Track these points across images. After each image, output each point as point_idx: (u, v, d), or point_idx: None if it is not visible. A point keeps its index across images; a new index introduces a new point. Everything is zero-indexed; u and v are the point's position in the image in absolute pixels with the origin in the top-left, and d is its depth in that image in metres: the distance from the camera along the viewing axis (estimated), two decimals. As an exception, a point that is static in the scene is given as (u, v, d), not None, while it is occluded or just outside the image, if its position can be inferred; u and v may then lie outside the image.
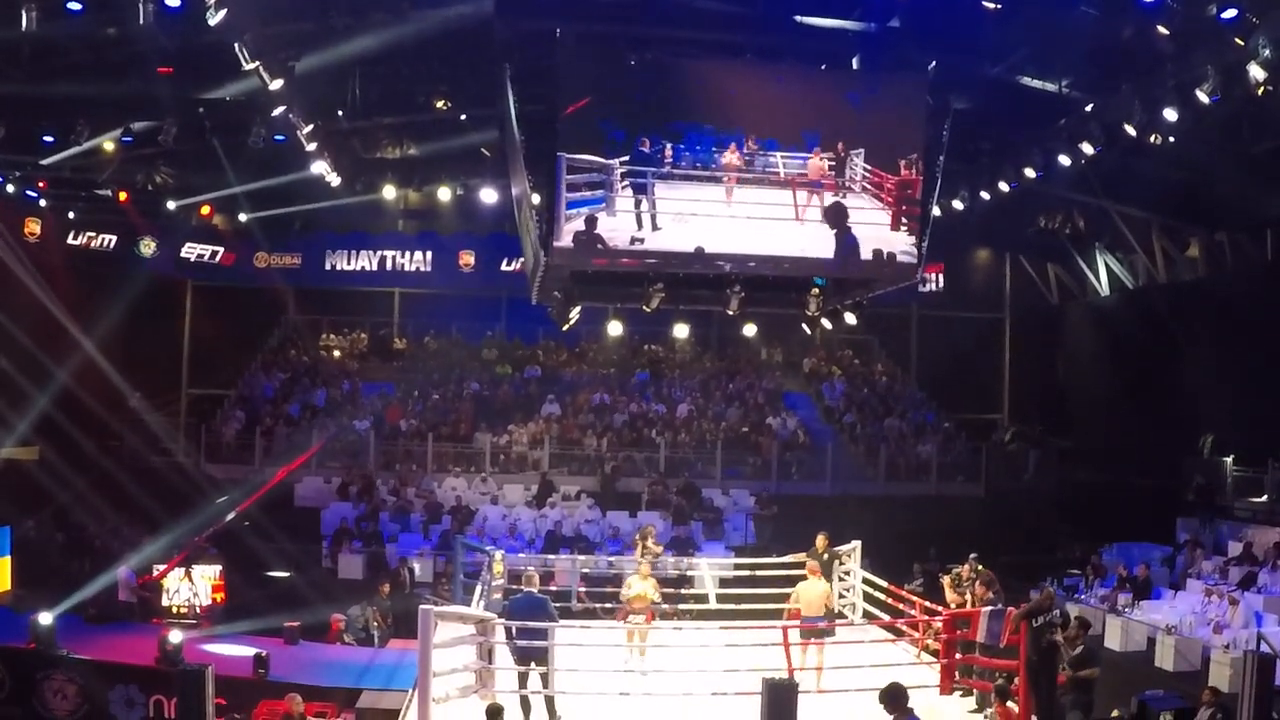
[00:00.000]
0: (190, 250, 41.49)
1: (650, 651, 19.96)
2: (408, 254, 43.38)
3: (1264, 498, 30.50)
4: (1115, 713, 17.73)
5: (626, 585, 20.62)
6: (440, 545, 30.88)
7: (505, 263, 42.65)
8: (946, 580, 22.21)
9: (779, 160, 20.26)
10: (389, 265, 43.56)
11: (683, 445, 37.86)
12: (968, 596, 20.83)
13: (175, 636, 20.97)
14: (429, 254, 43.50)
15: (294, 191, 34.17)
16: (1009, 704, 16.99)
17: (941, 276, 43.70)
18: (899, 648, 21.76)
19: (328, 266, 43.33)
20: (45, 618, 21.35)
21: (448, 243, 43.20)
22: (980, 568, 21.82)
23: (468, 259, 43.31)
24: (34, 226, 36.22)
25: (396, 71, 26.60)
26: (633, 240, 20.28)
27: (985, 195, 30.45)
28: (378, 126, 30.42)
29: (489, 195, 33.94)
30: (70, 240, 38.38)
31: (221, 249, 41.73)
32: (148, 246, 40.07)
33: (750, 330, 30.32)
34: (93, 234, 39.05)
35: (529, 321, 41.50)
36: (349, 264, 43.34)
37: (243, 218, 39.05)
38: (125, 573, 25.86)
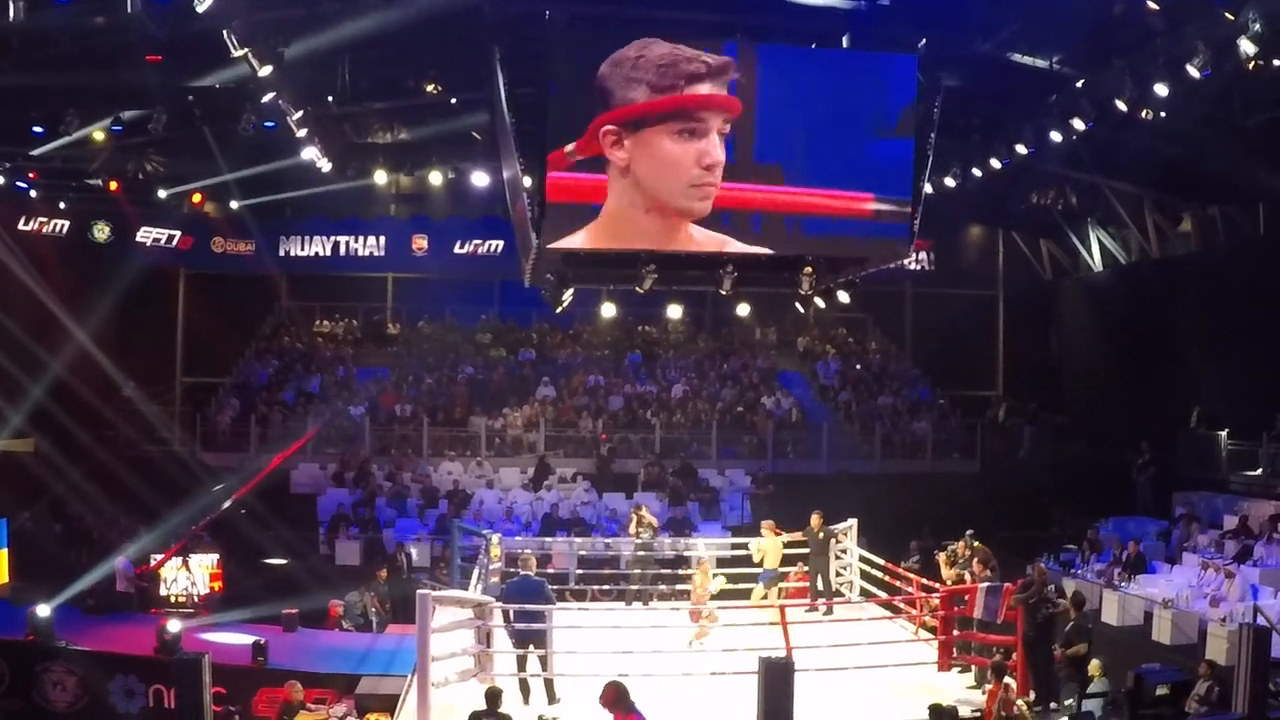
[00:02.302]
0: (145, 234, 40.55)
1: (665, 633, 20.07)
2: (373, 238, 43.06)
3: (1259, 471, 30.53)
4: (1093, 683, 17.69)
5: (700, 585, 21.00)
6: (437, 529, 30.91)
7: (458, 245, 42.98)
8: (942, 557, 22.31)
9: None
10: (343, 250, 42.99)
11: (678, 426, 37.88)
12: (966, 574, 20.90)
13: (174, 626, 21.06)
14: (388, 238, 43.21)
15: (284, 177, 34.11)
16: (1006, 680, 17.05)
17: (928, 254, 43.43)
18: (896, 625, 21.87)
19: (282, 252, 42.73)
20: (43, 609, 21.40)
21: (439, 227, 43.02)
22: (976, 544, 21.94)
23: (415, 242, 43.24)
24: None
25: (386, 56, 26.51)
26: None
27: (977, 172, 30.42)
28: (368, 111, 30.36)
29: (480, 179, 33.90)
30: (21, 226, 37.59)
31: (179, 233, 41.00)
32: (101, 231, 39.49)
33: (744, 310, 30.33)
34: (44, 219, 38.34)
35: (522, 304, 41.47)
36: (303, 249, 42.85)
37: (234, 205, 39.01)
38: (123, 563, 25.92)
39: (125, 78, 25.22)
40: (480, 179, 33.75)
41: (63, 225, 38.55)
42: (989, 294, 46.15)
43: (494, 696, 15.53)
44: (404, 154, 32.85)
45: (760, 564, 23.33)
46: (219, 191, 37.65)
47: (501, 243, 41.79)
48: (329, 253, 42.94)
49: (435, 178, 33.79)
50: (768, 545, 23.04)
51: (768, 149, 19.75)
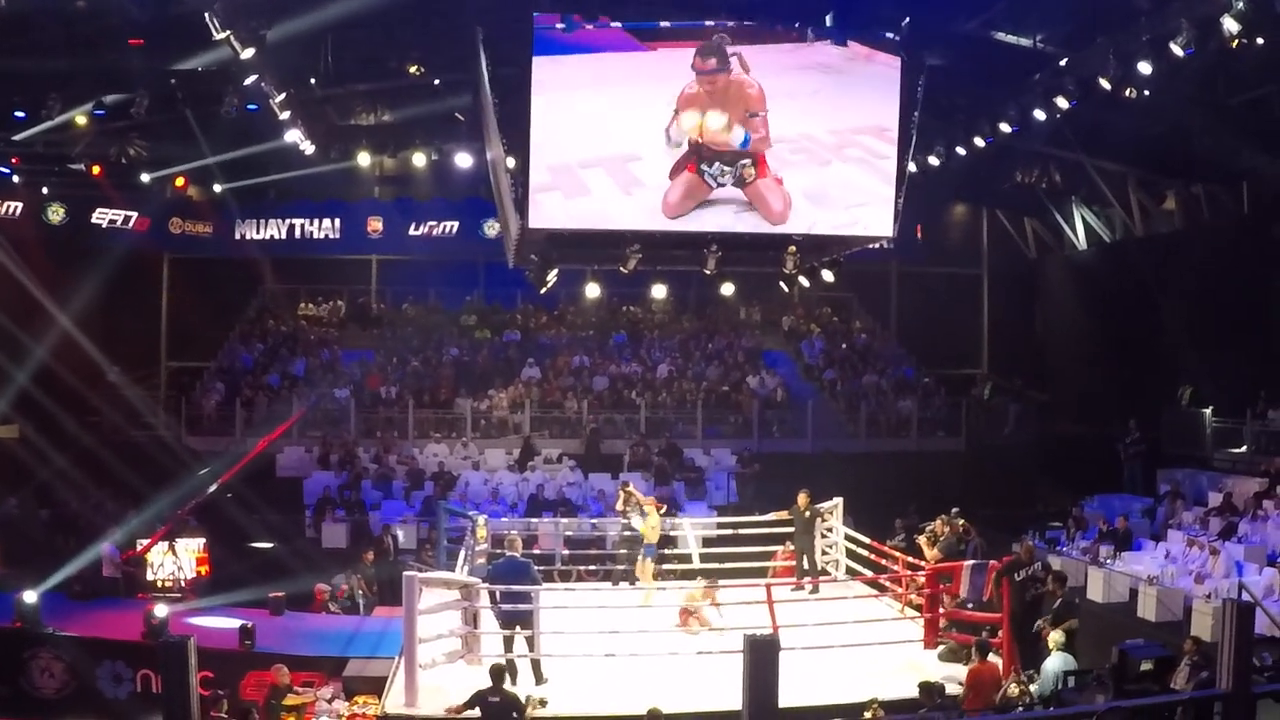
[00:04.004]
0: (101, 216, 39.98)
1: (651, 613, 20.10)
2: (328, 221, 43.04)
3: (1243, 448, 30.62)
4: (1050, 657, 17.60)
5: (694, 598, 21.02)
6: (423, 512, 30.90)
7: (412, 227, 43.38)
8: (923, 539, 22.35)
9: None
10: (298, 233, 42.96)
11: (663, 406, 37.90)
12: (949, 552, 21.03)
13: (161, 610, 21.10)
14: (343, 220, 43.26)
15: (268, 160, 34.05)
16: (990, 657, 17.12)
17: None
18: (882, 603, 21.92)
19: (237, 236, 42.63)
20: (30, 596, 21.44)
21: (393, 209, 43.49)
22: (961, 522, 22.02)
23: (370, 224, 43.47)
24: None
25: (369, 37, 26.46)
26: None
27: (961, 151, 30.43)
28: (351, 93, 30.30)
29: (463, 159, 33.86)
30: None
31: (135, 214, 40.34)
32: (56, 213, 39.08)
33: (728, 289, 30.37)
34: None
35: (507, 285, 41.56)
36: (258, 233, 42.76)
37: (217, 188, 38.91)
38: (109, 548, 25.87)
39: (107, 61, 25.17)
40: (463, 160, 33.72)
41: (16, 208, 37.97)
42: (973, 273, 46.28)
43: (499, 674, 15.62)
44: (387, 136, 32.83)
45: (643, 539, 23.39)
46: (202, 175, 37.50)
47: (456, 224, 42.71)
48: (284, 235, 42.89)
49: (418, 159, 33.78)
50: (652, 521, 23.05)
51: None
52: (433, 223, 42.62)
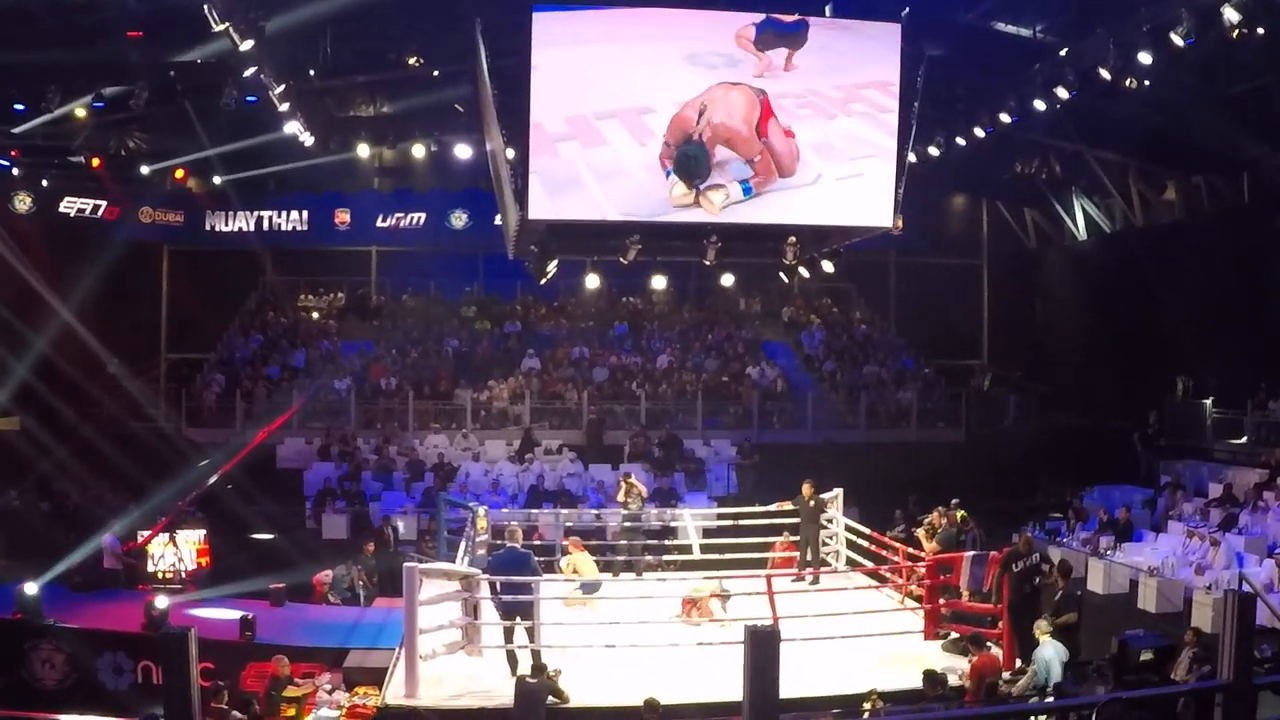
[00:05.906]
0: (70, 205, 39.73)
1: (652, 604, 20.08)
2: (295, 213, 43.28)
3: (1243, 439, 30.63)
4: (1040, 646, 17.62)
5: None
6: (423, 503, 30.84)
7: (380, 219, 43.92)
8: (921, 532, 22.35)
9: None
10: (266, 225, 43.14)
11: (663, 397, 37.87)
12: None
13: (161, 602, 21.13)
14: (306, 213, 43.47)
15: (265, 152, 34.01)
16: (988, 648, 17.13)
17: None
18: (883, 594, 21.93)
19: (207, 227, 42.85)
20: (31, 587, 21.47)
21: (361, 201, 43.74)
22: (961, 514, 21.99)
23: (339, 216, 43.85)
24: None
25: (368, 29, 26.47)
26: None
27: (961, 141, 30.43)
28: (350, 85, 30.28)
29: (463, 151, 33.87)
30: None
31: (104, 203, 40.11)
32: (23, 202, 38.63)
33: (728, 280, 30.31)
34: None
35: (507, 276, 41.60)
36: (227, 225, 42.87)
37: (217, 180, 38.87)
38: (110, 540, 25.87)
39: (106, 54, 25.15)
40: (463, 151, 33.74)
41: None
42: (973, 263, 46.26)
43: (540, 665, 16.06)
44: (386, 127, 32.82)
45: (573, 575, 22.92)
46: (202, 167, 37.45)
47: (423, 215, 43.37)
48: (252, 227, 43.01)
49: (418, 150, 33.84)
50: (577, 560, 22.67)
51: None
52: (399, 214, 43.26)
